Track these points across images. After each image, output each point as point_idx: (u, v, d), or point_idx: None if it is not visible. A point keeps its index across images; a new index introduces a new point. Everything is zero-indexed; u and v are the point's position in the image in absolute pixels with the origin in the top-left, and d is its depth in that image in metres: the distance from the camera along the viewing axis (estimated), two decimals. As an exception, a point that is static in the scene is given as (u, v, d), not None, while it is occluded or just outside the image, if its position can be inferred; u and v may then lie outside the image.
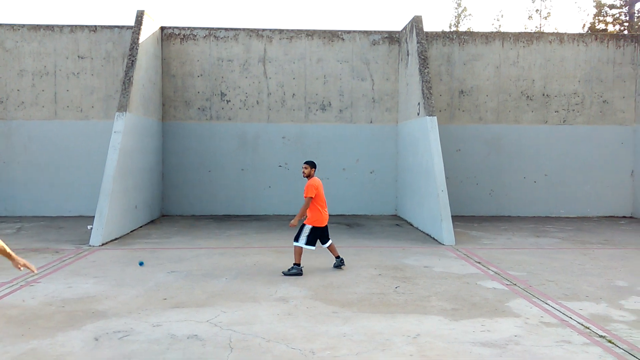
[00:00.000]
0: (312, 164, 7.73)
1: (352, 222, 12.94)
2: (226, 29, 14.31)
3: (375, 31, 14.55)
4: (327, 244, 7.84)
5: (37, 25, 13.83)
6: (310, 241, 7.54)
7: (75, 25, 13.89)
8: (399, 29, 14.56)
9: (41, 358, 4.53)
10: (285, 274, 7.47)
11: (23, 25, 13.79)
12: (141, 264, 7.96)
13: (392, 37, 14.47)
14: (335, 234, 11.15)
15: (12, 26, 13.79)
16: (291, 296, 6.47)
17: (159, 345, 4.84)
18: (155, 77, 13.44)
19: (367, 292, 6.67)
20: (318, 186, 7.59)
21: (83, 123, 13.81)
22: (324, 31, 14.44)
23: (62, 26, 13.87)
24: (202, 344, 4.88)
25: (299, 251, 7.52)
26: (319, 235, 7.68)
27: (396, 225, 12.64)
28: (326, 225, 7.78)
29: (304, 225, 7.63)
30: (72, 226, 11.81)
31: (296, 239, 7.57)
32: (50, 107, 13.83)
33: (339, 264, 7.90)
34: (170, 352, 4.67)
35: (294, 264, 7.53)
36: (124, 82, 11.50)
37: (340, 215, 14.18)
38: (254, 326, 5.36)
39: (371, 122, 14.48)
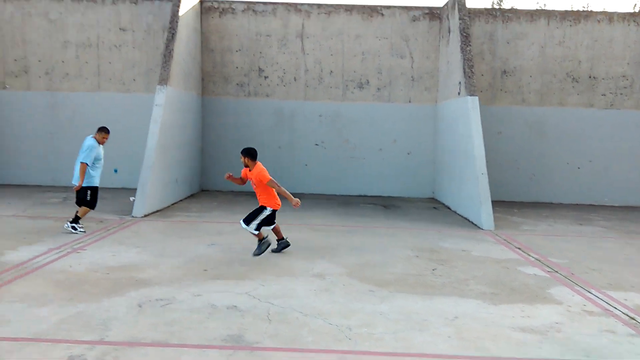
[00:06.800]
0: (246, 153, 7.18)
1: (389, 204, 12.87)
2: (264, 3, 14.21)
3: (415, 7, 14.20)
4: (273, 226, 7.48)
5: (82, -3, 14.05)
6: (266, 224, 7.28)
7: (118, -2, 14.05)
8: (440, 4, 14.16)
9: (88, 321, 4.70)
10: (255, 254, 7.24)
11: (68, -2, 14.03)
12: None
13: (432, 13, 14.11)
14: (371, 215, 11.14)
15: (57, -2, 14.04)
16: (327, 273, 6.50)
17: (200, 314, 4.95)
18: (195, 51, 13.51)
19: (404, 273, 6.64)
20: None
21: (125, 96, 14.05)
22: (363, 6, 14.18)
23: (105, -2, 14.05)
24: (242, 314, 4.96)
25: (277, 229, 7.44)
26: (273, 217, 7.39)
27: (433, 208, 12.50)
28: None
29: (264, 208, 7.25)
30: (115, 197, 12.10)
31: (247, 221, 7.17)
32: (94, 80, 14.11)
33: (283, 245, 7.52)
34: (211, 321, 4.77)
35: (263, 239, 7.31)
36: (164, 55, 11.61)
37: (377, 196, 14.11)
38: (292, 300, 5.41)
39: (409, 101, 14.25)
